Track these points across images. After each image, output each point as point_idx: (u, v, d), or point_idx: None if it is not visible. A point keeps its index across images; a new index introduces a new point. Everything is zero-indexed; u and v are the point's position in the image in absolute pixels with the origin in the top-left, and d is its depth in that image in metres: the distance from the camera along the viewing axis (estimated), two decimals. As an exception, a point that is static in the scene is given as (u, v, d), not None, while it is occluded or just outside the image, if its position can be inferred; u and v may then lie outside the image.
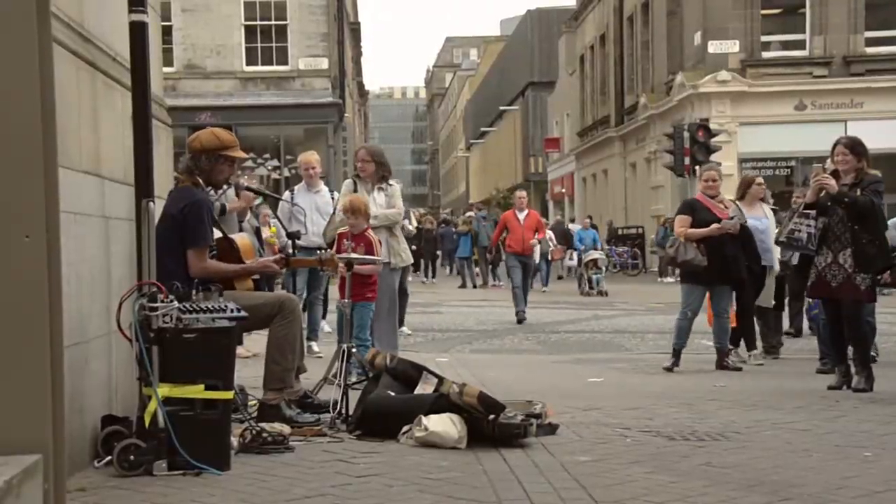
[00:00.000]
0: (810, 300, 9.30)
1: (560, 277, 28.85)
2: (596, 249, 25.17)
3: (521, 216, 15.65)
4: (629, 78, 36.17)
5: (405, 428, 5.51)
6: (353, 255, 7.05)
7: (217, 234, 6.00)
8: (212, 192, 6.17)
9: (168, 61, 25.96)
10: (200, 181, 5.77)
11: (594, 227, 28.99)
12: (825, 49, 26.66)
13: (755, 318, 10.12)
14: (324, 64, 29.67)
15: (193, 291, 5.24)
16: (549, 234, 23.16)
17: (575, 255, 26.73)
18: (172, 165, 6.54)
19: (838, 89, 26.27)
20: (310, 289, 10.09)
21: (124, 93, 5.23)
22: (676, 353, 9.35)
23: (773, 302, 10.31)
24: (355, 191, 8.49)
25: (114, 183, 5.14)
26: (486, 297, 21.72)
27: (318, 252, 7.01)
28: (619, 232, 33.93)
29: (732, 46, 26.73)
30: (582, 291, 23.05)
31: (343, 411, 5.97)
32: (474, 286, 26.46)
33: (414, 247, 27.13)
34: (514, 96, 59.35)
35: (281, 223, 8.27)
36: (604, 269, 23.94)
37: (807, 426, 6.23)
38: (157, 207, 5.19)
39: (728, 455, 5.30)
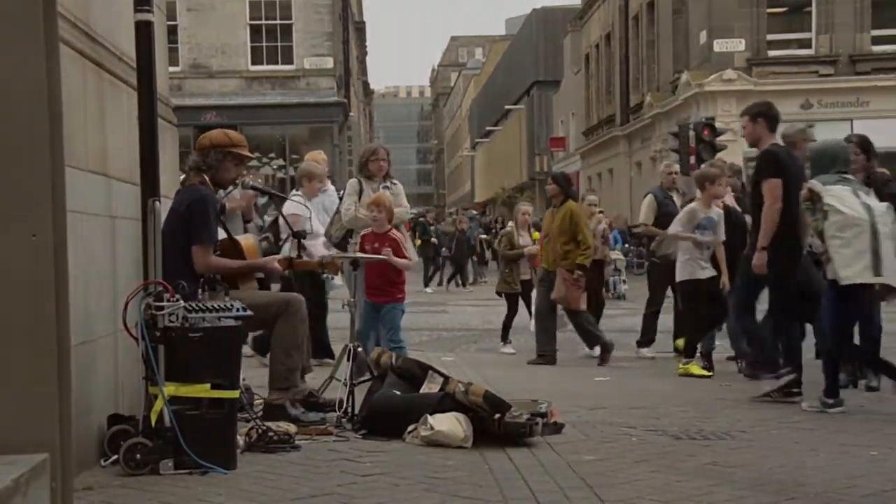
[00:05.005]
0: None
1: None
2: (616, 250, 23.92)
3: None
4: (634, 77, 36.12)
5: (411, 427, 5.51)
6: (359, 255, 7.06)
7: (222, 234, 6.01)
8: (218, 192, 6.18)
9: (173, 61, 25.90)
10: (207, 180, 5.79)
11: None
12: (831, 48, 26.60)
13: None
14: (329, 63, 29.69)
15: (199, 290, 5.25)
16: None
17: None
18: (178, 165, 6.55)
19: (844, 88, 26.19)
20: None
21: (130, 92, 5.24)
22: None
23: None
24: (361, 191, 8.52)
25: (120, 182, 5.14)
26: (491, 297, 21.67)
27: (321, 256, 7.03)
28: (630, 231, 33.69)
29: (738, 45, 26.68)
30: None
31: (349, 410, 5.98)
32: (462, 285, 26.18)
33: (447, 250, 26.43)
34: (520, 95, 59.30)
35: (287, 223, 8.28)
36: (623, 270, 21.84)
37: (813, 425, 6.22)
38: (164, 207, 5.20)
39: (734, 454, 5.29)
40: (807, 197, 6.75)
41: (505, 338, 11.48)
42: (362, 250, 7.50)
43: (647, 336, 10.78)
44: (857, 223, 6.54)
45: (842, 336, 6.91)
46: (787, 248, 7.19)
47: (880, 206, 6.74)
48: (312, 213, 9.63)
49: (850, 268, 6.54)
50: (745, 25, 26.62)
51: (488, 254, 32.27)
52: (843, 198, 6.60)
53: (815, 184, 6.72)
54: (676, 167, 11.72)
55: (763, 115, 7.57)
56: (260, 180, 22.55)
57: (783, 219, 7.17)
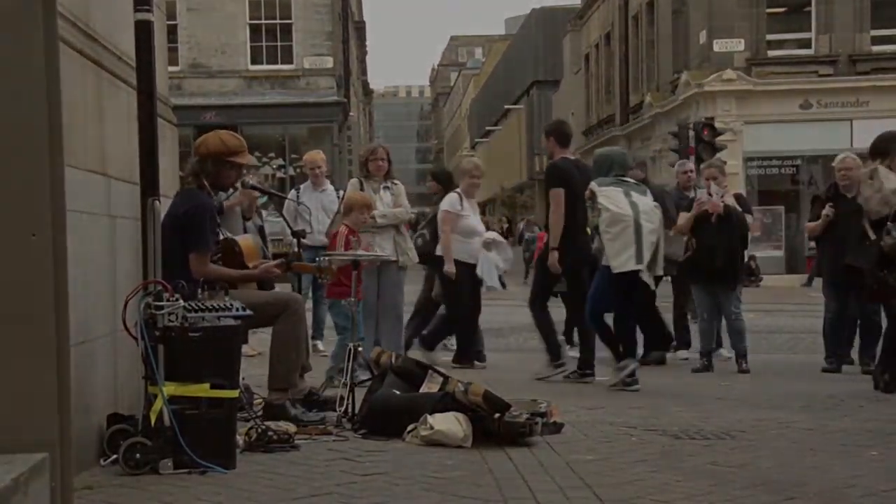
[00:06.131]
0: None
1: None
2: None
3: None
4: (634, 77, 36.11)
5: (410, 426, 5.51)
6: (361, 254, 7.05)
7: (221, 235, 6.00)
8: (219, 194, 6.17)
9: (173, 60, 25.92)
10: (206, 184, 5.76)
11: None
12: (831, 48, 26.60)
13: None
14: (328, 63, 29.69)
15: (199, 290, 5.25)
16: None
17: None
18: (178, 164, 6.54)
19: (844, 88, 26.19)
20: (314, 288, 10.09)
21: (130, 91, 5.24)
22: (703, 355, 9.27)
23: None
24: (362, 190, 8.54)
25: (119, 182, 5.14)
26: (491, 297, 21.64)
27: (318, 260, 6.96)
28: None
29: (738, 45, 26.68)
30: None
31: (348, 410, 5.98)
32: None
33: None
34: (519, 95, 59.28)
35: (287, 222, 8.29)
36: None
37: (812, 425, 6.22)
38: (163, 206, 5.20)
39: (733, 454, 5.29)
40: (588, 196, 7.76)
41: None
42: (348, 247, 7.45)
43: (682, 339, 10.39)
44: (623, 219, 7.57)
45: (594, 309, 7.94)
46: (576, 247, 8.20)
47: (647, 204, 7.79)
48: (312, 213, 9.66)
49: (618, 258, 7.59)
50: (744, 25, 26.62)
51: None
52: (613, 197, 7.62)
53: (593, 185, 7.75)
54: (691, 165, 11.54)
55: (554, 132, 8.69)
56: (260, 180, 22.50)
57: (573, 221, 8.17)
